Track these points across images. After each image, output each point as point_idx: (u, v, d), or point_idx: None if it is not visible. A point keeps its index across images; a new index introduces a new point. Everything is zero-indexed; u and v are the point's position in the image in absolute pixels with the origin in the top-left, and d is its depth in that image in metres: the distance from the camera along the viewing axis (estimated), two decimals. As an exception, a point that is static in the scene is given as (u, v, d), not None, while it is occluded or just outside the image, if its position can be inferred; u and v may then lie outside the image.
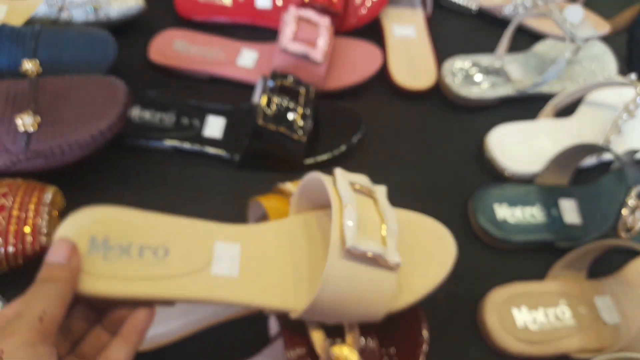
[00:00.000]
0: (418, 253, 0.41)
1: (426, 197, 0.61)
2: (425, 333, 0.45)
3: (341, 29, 0.72)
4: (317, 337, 0.40)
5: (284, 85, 0.59)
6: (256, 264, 0.39)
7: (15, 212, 0.46)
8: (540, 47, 0.75)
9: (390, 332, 0.43)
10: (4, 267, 0.46)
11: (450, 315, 0.53)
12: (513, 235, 0.56)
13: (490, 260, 0.57)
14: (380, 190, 0.40)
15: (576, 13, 0.68)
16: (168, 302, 0.36)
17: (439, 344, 0.47)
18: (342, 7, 0.70)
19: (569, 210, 0.59)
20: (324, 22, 0.65)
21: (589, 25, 0.71)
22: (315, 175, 0.40)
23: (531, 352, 0.49)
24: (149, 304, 0.34)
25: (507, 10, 0.78)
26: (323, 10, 0.69)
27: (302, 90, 0.60)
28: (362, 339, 0.42)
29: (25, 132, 0.49)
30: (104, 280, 0.33)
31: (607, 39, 0.77)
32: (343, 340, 0.40)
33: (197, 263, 0.37)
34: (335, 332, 0.40)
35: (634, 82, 0.65)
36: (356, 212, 0.36)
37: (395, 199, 0.42)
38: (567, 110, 0.68)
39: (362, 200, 0.39)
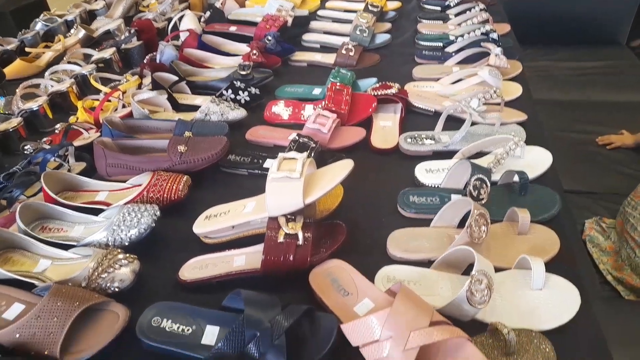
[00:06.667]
0: (329, 175, 0.78)
1: (382, 195, 0.95)
2: (344, 231, 0.78)
3: (346, 123, 1.15)
4: (281, 220, 0.76)
5: (303, 140, 1.03)
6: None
7: (169, 183, 0.93)
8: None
9: (322, 229, 0.78)
10: (161, 205, 0.91)
11: (375, 244, 0.84)
12: (416, 209, 0.87)
13: (401, 223, 0.87)
14: (301, 156, 0.80)
15: (476, 103, 1.04)
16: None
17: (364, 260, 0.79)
18: (346, 111, 1.14)
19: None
20: (332, 115, 1.10)
21: (496, 114, 1.05)
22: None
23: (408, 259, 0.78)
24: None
25: (452, 110, 1.16)
26: (334, 112, 1.14)
27: (313, 144, 1.03)
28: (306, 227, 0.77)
29: (180, 153, 0.97)
30: (214, 223, 0.82)
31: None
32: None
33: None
34: (291, 220, 0.76)
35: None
36: (278, 163, 0.78)
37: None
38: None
39: (289, 160, 0.80)
